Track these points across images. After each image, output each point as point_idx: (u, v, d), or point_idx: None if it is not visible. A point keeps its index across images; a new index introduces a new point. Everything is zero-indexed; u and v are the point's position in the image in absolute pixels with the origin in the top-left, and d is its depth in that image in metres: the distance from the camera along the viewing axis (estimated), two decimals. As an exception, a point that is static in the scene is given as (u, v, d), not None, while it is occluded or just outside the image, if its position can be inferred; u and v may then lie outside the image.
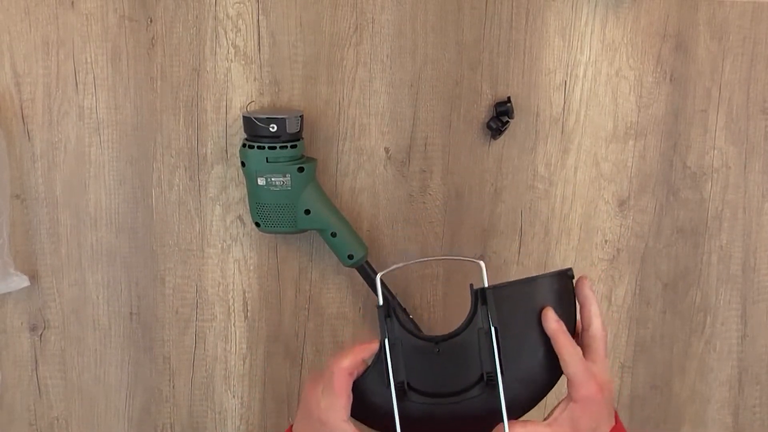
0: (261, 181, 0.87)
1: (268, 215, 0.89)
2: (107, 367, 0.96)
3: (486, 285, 0.68)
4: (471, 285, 0.69)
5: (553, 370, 0.68)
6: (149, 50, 0.90)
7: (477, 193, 0.96)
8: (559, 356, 0.66)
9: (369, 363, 0.69)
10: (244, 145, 0.87)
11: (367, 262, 0.91)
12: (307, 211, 0.89)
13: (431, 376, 0.68)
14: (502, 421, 0.65)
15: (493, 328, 0.66)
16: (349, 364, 0.66)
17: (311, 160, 0.90)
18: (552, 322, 0.67)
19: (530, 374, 0.68)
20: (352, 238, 0.91)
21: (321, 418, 0.67)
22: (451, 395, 0.67)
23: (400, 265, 0.74)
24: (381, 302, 0.68)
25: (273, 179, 0.87)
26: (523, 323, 0.68)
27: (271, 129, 0.86)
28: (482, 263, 0.68)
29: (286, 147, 0.86)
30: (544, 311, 0.67)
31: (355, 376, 0.67)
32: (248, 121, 0.87)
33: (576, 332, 0.70)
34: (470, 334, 0.67)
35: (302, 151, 0.89)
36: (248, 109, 0.91)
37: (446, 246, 0.96)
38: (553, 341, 0.66)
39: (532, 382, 0.68)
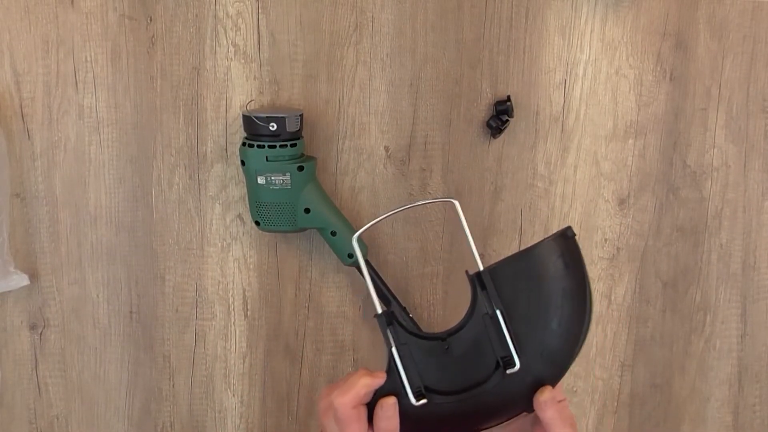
0: (261, 180, 0.87)
1: (268, 214, 0.89)
2: (107, 366, 0.96)
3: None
4: (467, 271, 0.66)
5: (571, 338, 0.65)
6: (149, 49, 0.90)
7: (477, 192, 0.96)
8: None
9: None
10: (243, 144, 0.87)
11: (367, 260, 0.91)
12: (307, 210, 0.89)
13: (447, 375, 0.65)
14: (527, 402, 0.64)
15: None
16: (350, 399, 0.63)
17: (311, 158, 0.90)
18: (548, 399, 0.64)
19: (549, 347, 0.65)
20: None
21: None
22: (471, 388, 0.65)
23: (372, 223, 0.70)
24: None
25: (273, 178, 0.87)
26: (530, 297, 0.65)
27: (270, 128, 0.86)
28: (456, 201, 0.66)
29: (286, 146, 0.86)
30: (537, 395, 0.64)
31: (363, 402, 0.64)
32: (248, 120, 0.87)
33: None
34: (476, 323, 0.65)
35: (302, 150, 0.89)
36: (248, 108, 0.91)
37: (446, 245, 0.96)
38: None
39: (552, 356, 0.65)
